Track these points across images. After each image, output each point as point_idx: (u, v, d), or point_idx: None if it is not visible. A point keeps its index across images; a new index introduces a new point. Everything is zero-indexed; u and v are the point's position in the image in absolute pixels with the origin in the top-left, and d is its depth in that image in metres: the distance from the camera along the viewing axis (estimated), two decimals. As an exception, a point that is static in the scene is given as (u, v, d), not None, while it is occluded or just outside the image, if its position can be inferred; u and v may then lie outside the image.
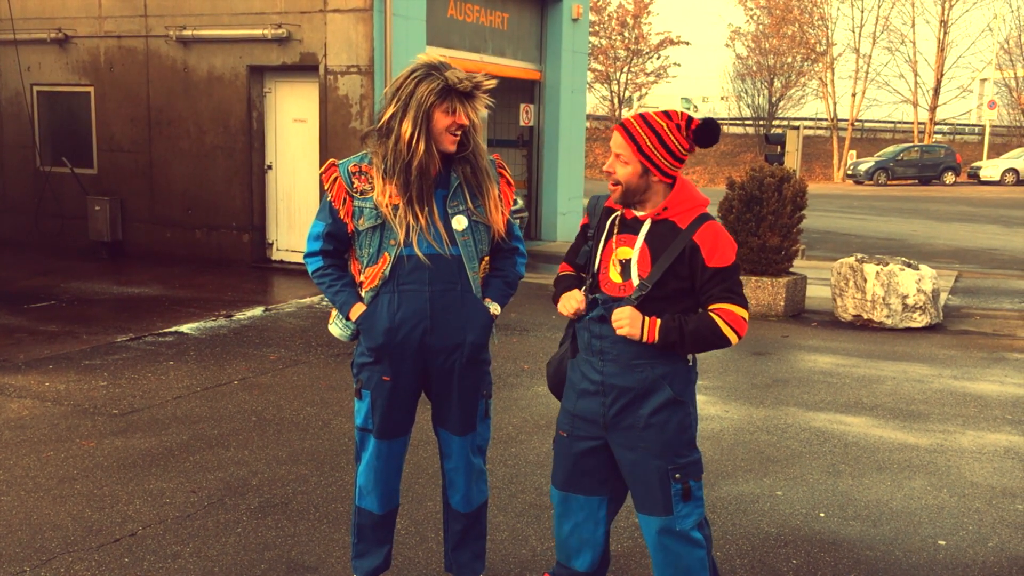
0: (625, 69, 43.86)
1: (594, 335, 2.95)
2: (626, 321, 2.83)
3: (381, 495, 3.32)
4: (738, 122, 48.13)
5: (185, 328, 8.03)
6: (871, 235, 17.92)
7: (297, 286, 10.25)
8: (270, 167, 11.48)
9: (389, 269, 3.11)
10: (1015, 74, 43.70)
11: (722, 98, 50.19)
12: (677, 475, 2.93)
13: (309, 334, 7.93)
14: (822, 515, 4.40)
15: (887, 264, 8.80)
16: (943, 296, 9.91)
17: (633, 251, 2.90)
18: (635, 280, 2.88)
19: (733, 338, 2.85)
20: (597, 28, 41.88)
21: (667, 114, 2.85)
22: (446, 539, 3.46)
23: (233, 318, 8.50)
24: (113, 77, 12.00)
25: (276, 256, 11.60)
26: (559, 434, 3.12)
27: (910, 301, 8.63)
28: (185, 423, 5.53)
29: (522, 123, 14.73)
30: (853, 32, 47.81)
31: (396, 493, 3.38)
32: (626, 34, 43.10)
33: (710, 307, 2.85)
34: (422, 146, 3.04)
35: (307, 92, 11.04)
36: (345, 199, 3.17)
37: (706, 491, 4.64)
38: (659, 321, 2.83)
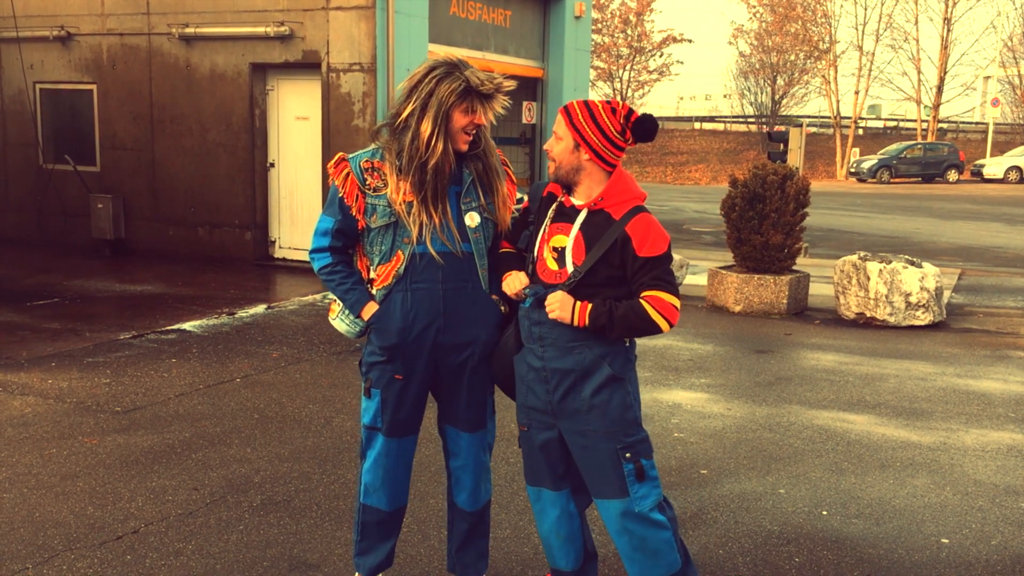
0: (628, 67, 43.83)
1: (533, 322, 3.04)
2: (557, 305, 2.93)
3: (390, 493, 3.31)
4: (741, 120, 48.08)
5: (188, 326, 8.04)
6: (874, 233, 17.90)
7: (300, 284, 10.25)
8: (272, 165, 11.48)
9: (403, 267, 3.11)
10: (1019, 71, 43.61)
11: (725, 96, 50.14)
12: (628, 454, 2.99)
13: (312, 332, 7.93)
14: (825, 513, 4.40)
15: (890, 262, 8.79)
16: (946, 294, 9.89)
17: (568, 239, 2.99)
18: (569, 268, 2.97)
19: (663, 324, 2.91)
20: (600, 26, 41.84)
21: (608, 101, 2.97)
22: (450, 539, 3.46)
23: (236, 316, 8.51)
24: (116, 75, 12.00)
25: (278, 254, 11.61)
26: (521, 429, 3.20)
27: (913, 299, 8.62)
28: (187, 421, 5.54)
29: (524, 121, 14.72)
30: (856, 29, 47.79)
31: (405, 491, 3.38)
32: (629, 32, 43.06)
33: (641, 294, 2.91)
34: (441, 146, 3.04)
35: (309, 90, 11.04)
36: (358, 195, 3.13)
37: (708, 489, 4.64)
38: (590, 305, 2.92)
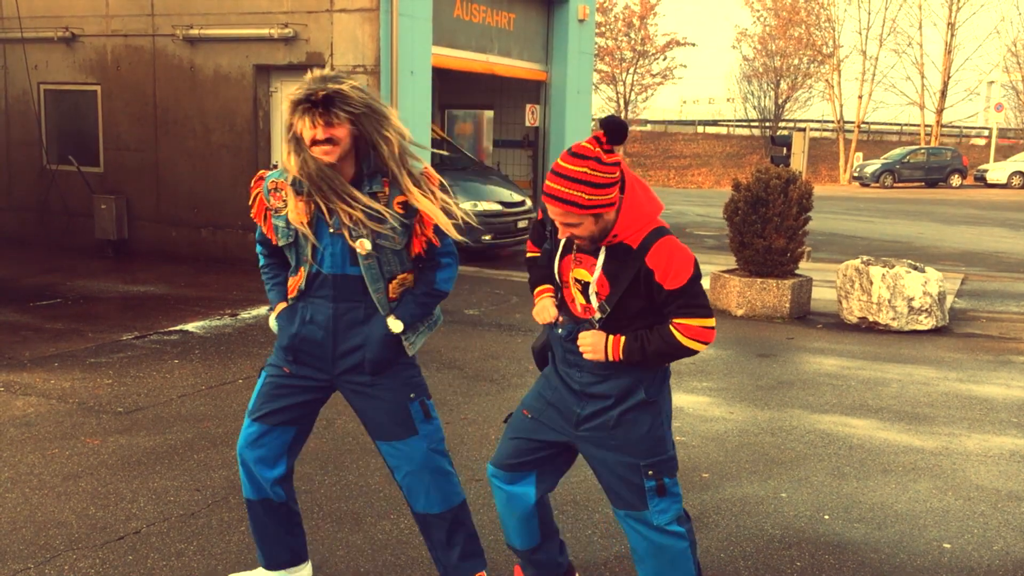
0: (631, 70, 43.85)
1: (567, 350, 3.03)
2: (589, 346, 2.92)
3: (245, 481, 3.34)
4: (744, 124, 48.08)
5: (190, 327, 8.04)
6: (877, 237, 17.89)
7: (302, 285, 10.25)
8: (276, 166, 11.48)
9: (304, 283, 3.18)
10: (1022, 77, 43.59)
11: (728, 99, 50.14)
12: (650, 471, 2.97)
13: (314, 333, 7.93)
14: (827, 517, 4.39)
15: (893, 266, 8.78)
16: (949, 299, 9.88)
17: (592, 276, 2.92)
18: (595, 303, 2.92)
19: (696, 347, 2.87)
20: (603, 29, 41.87)
21: (577, 155, 2.75)
22: (429, 547, 3.42)
23: (238, 317, 8.51)
24: (120, 76, 12.02)
25: (281, 255, 11.61)
26: (522, 413, 3.18)
27: (916, 304, 8.61)
28: (190, 421, 5.54)
29: (528, 123, 14.73)
30: (860, 34, 47.73)
31: (268, 484, 3.30)
32: (632, 35, 43.09)
33: (672, 321, 2.86)
34: (293, 163, 3.04)
35: (313, 92, 11.03)
36: (265, 215, 3.24)
37: (710, 492, 4.64)
38: (623, 340, 2.88)
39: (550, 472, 3.20)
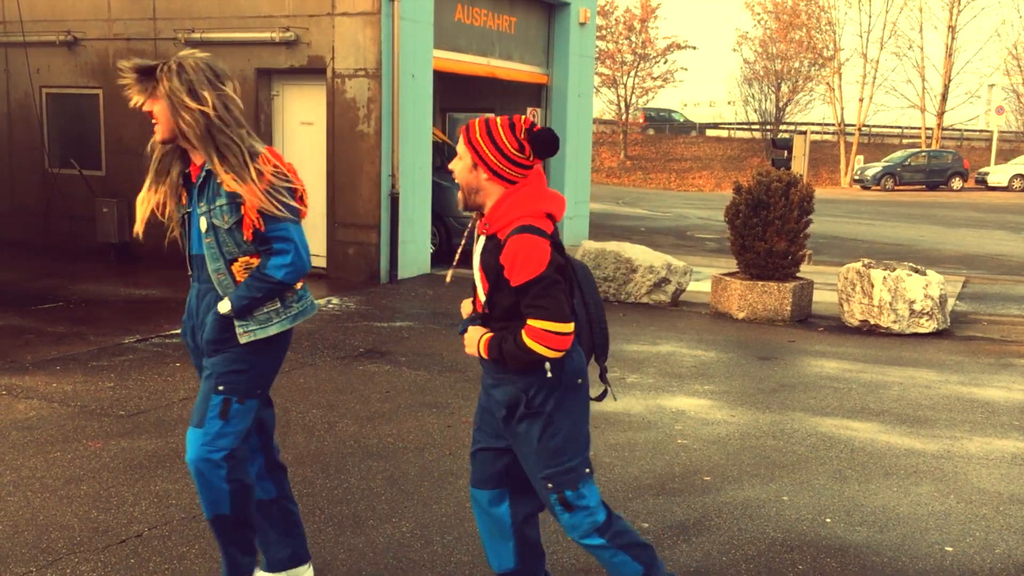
0: (632, 73, 43.86)
1: None
2: (466, 341, 2.94)
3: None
4: (745, 126, 48.10)
5: (192, 330, 8.04)
6: (878, 240, 17.88)
7: (303, 289, 10.26)
8: (277, 170, 11.50)
9: (188, 263, 3.27)
10: (1023, 80, 43.59)
11: (729, 102, 50.16)
12: (549, 484, 2.94)
13: (316, 336, 7.94)
14: (828, 521, 4.39)
15: (894, 269, 8.78)
16: (950, 302, 9.88)
17: (475, 270, 2.95)
18: (481, 298, 2.94)
19: (543, 352, 2.78)
20: (604, 32, 41.90)
21: (511, 117, 2.88)
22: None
23: (240, 320, 8.51)
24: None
25: (283, 259, 11.61)
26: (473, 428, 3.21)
27: (917, 306, 8.61)
28: (191, 425, 5.54)
29: (529, 127, 14.73)
30: (861, 37, 47.72)
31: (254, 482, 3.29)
32: (633, 38, 43.10)
33: (525, 321, 2.81)
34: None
35: (315, 95, 11.06)
36: None
37: (712, 496, 4.64)
38: (489, 339, 2.87)
39: (522, 486, 3.12)
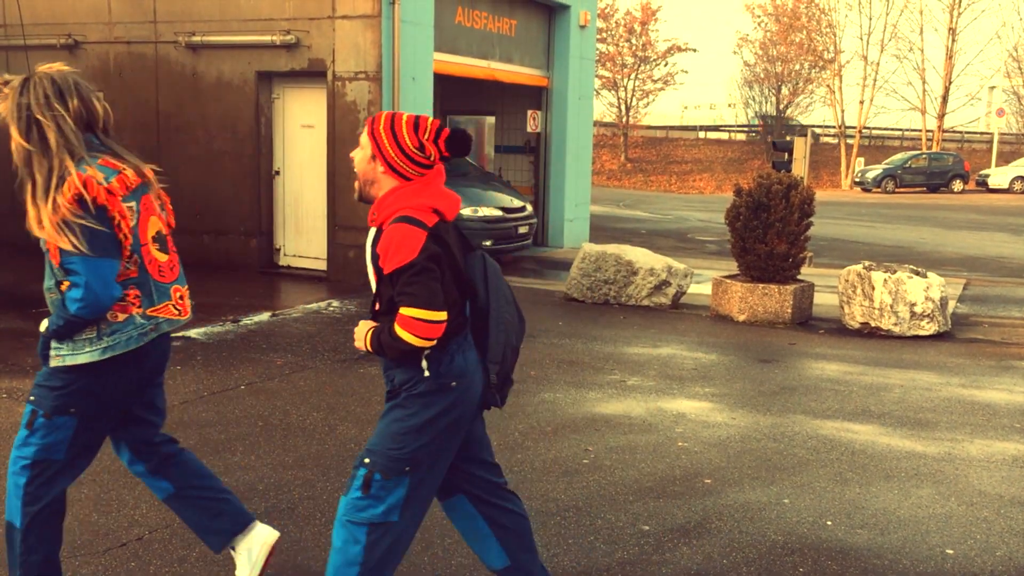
0: (632, 76, 43.89)
1: None
2: (355, 334, 2.94)
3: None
4: (745, 129, 48.12)
5: (192, 333, 8.05)
6: (879, 243, 17.88)
7: (304, 291, 10.27)
8: (278, 172, 11.51)
9: None
10: (1023, 82, 43.61)
11: (729, 105, 50.19)
12: (367, 459, 2.91)
13: (316, 339, 7.94)
14: (829, 523, 4.39)
15: (895, 272, 8.78)
16: (951, 304, 9.88)
17: (368, 264, 2.96)
18: (373, 290, 2.95)
19: (411, 340, 2.76)
20: (605, 35, 41.93)
21: (418, 117, 2.90)
22: None
23: (240, 323, 8.52)
24: (122, 83, 12.05)
25: (283, 261, 11.63)
26: None
27: (918, 309, 8.61)
28: (192, 428, 5.54)
29: (529, 129, 14.75)
30: (861, 39, 47.78)
31: (151, 480, 3.37)
32: (633, 41, 43.13)
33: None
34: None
35: (315, 98, 11.07)
36: None
37: (712, 498, 4.63)
38: (371, 331, 2.87)
39: (477, 484, 3.14)
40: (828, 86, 43.48)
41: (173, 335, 7.95)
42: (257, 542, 3.47)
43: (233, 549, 3.47)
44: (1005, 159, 40.28)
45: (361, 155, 2.95)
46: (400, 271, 2.77)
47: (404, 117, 2.90)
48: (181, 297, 3.29)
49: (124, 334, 3.06)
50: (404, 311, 2.77)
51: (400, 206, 2.85)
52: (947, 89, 41.92)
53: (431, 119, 2.92)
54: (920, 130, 43.64)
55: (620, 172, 41.83)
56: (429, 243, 2.79)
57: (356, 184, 3.00)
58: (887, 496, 4.74)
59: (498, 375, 3.05)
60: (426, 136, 2.86)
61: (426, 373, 2.88)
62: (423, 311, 2.75)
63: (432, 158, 2.89)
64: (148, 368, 3.18)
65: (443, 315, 2.78)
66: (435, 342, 2.80)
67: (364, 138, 2.93)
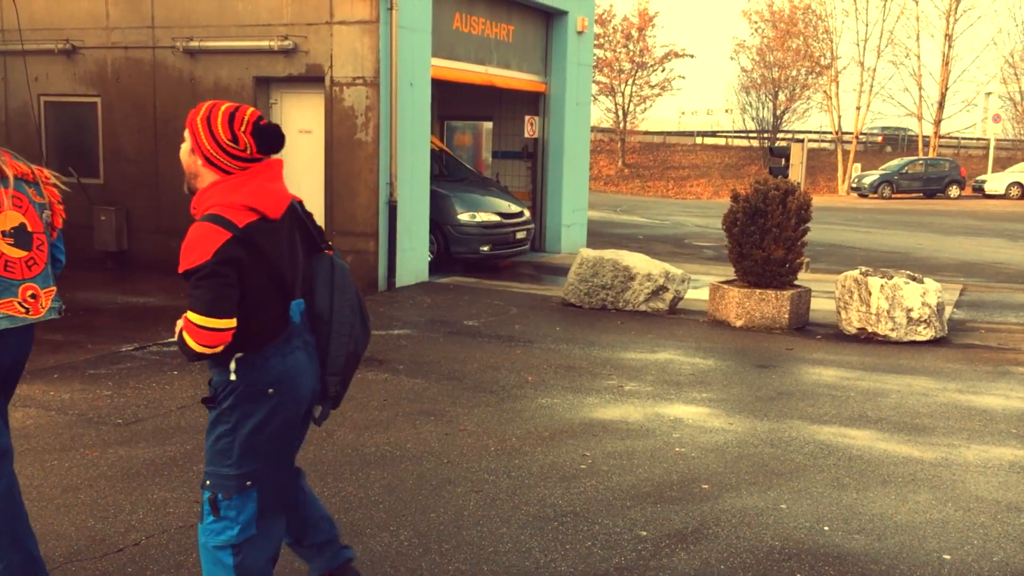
0: (630, 81, 43.93)
1: None
2: (175, 329, 2.85)
3: None
4: (743, 135, 48.19)
5: (190, 338, 8.04)
6: (875, 248, 17.90)
7: (301, 296, 10.25)
8: (275, 178, 11.51)
9: None
10: (1020, 87, 43.73)
11: (726, 111, 50.27)
12: (207, 481, 2.90)
13: (313, 344, 7.93)
14: (826, 529, 4.39)
15: (892, 277, 8.79)
16: (948, 309, 9.89)
17: None
18: None
19: (194, 346, 2.71)
20: (602, 41, 41.98)
21: (238, 108, 2.85)
22: None
23: (237, 328, 8.51)
24: (120, 88, 12.05)
25: (281, 266, 11.62)
26: None
27: (915, 314, 8.62)
28: (189, 433, 5.54)
29: (527, 135, 14.76)
30: (858, 45, 47.90)
31: None
32: (631, 47, 43.17)
33: None
34: None
35: (313, 103, 11.08)
36: None
37: (710, 504, 4.63)
38: (181, 328, 2.81)
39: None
40: (825, 92, 43.55)
41: (169, 341, 7.95)
42: None
43: None
44: (1001, 165, 40.34)
45: (184, 148, 2.90)
46: (189, 273, 2.70)
47: (222, 108, 2.82)
48: (33, 296, 3.23)
49: None
50: (188, 315, 2.71)
51: (213, 202, 2.77)
52: (943, 95, 41.99)
53: (251, 111, 2.84)
54: (917, 136, 43.70)
55: (617, 177, 41.86)
56: (229, 246, 2.69)
57: (183, 168, 2.94)
58: (884, 501, 4.75)
59: (338, 385, 3.02)
60: (242, 128, 2.80)
61: (232, 376, 2.82)
62: (203, 317, 2.67)
63: (249, 151, 2.82)
64: None
65: (227, 323, 2.69)
66: (219, 349, 2.72)
67: (187, 132, 2.87)
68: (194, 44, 11.31)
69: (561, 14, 14.53)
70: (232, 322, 2.70)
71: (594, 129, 40.37)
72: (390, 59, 10.55)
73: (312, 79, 10.89)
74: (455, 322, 9.03)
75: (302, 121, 11.28)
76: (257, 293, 2.78)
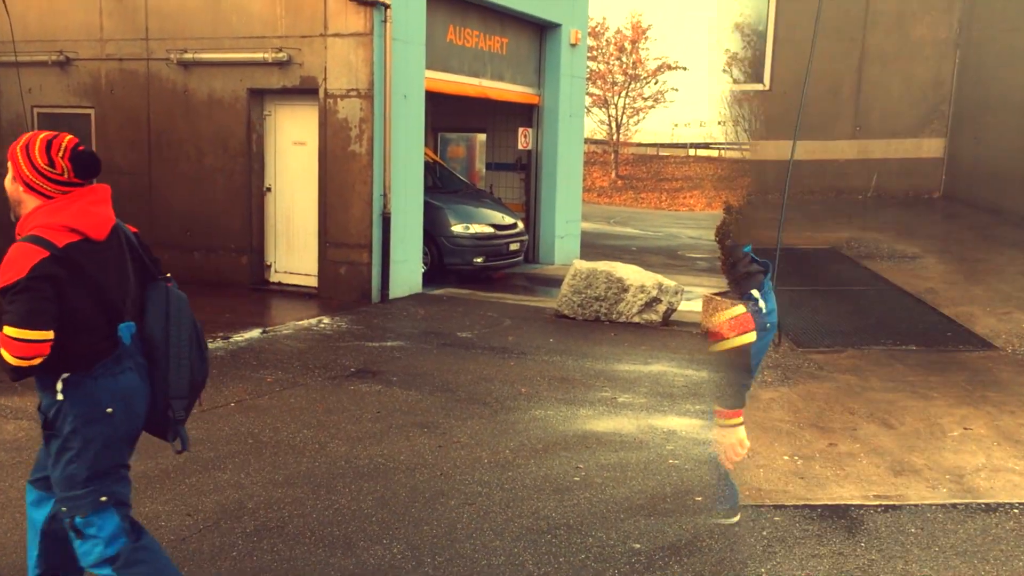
0: (623, 94, 44.11)
1: None
2: None
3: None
4: (735, 147, 48.34)
5: (182, 350, 8.02)
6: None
7: (295, 308, 10.25)
8: (269, 189, 11.51)
9: None
10: None
11: (719, 122, 50.44)
12: (63, 508, 2.96)
13: (306, 356, 7.93)
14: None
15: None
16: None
17: None
18: None
19: (10, 359, 2.76)
20: (595, 53, 42.11)
21: (52, 136, 2.95)
22: None
23: (231, 340, 8.50)
24: (114, 99, 12.05)
25: (274, 278, 11.61)
26: None
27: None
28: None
29: (520, 147, 14.80)
30: (849, 58, 48.15)
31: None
32: (624, 59, 43.37)
33: None
34: None
35: (307, 115, 11.09)
36: None
37: (703, 516, 4.63)
38: None
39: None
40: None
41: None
42: None
43: None
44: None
45: (7, 177, 2.98)
46: (5, 290, 2.76)
47: (40, 136, 2.95)
48: None
49: None
50: (4, 329, 2.76)
51: (34, 224, 2.87)
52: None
53: (68, 138, 2.97)
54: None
55: (611, 189, 41.97)
56: (46, 264, 2.77)
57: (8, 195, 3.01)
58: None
59: (182, 411, 3.09)
60: (60, 154, 2.92)
61: (59, 396, 2.89)
62: (18, 330, 2.73)
63: (67, 175, 2.92)
64: None
65: (43, 335, 2.76)
66: (36, 362, 2.78)
67: (10, 162, 2.96)
68: (188, 56, 11.33)
69: (554, 27, 14.59)
70: (49, 334, 2.77)
71: (587, 141, 40.43)
72: (384, 71, 10.58)
73: (306, 91, 10.90)
74: (448, 334, 9.03)
75: (296, 133, 11.29)
76: (81, 312, 2.86)
